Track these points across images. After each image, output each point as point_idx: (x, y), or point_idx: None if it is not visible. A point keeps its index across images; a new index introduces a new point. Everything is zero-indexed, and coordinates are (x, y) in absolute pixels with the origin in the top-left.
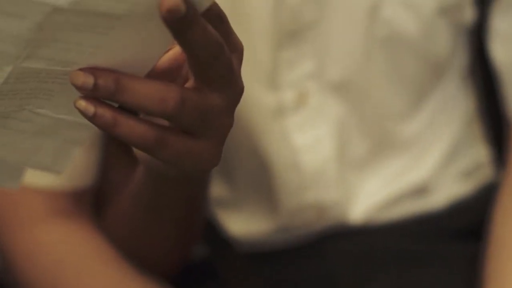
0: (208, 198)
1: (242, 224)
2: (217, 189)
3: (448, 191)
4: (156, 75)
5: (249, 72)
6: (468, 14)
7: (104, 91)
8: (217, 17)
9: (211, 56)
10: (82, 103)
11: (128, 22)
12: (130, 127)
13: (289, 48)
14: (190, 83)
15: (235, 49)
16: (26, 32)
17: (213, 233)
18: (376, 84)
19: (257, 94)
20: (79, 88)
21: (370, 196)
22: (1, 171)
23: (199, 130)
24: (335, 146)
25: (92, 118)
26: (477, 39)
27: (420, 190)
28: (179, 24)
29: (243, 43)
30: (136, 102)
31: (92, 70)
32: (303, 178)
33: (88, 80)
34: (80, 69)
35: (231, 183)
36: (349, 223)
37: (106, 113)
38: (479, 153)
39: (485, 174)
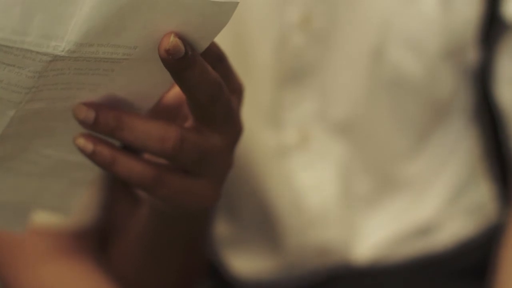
0: (211, 235)
1: (246, 263)
2: (221, 227)
3: (453, 230)
4: (158, 113)
5: (251, 112)
6: (472, 56)
7: (104, 127)
8: (217, 57)
9: (210, 97)
10: (81, 141)
11: (128, 64)
12: (128, 165)
13: (291, 88)
14: (189, 123)
15: (235, 89)
16: (26, 79)
17: (217, 272)
18: (378, 125)
19: (260, 134)
20: (80, 122)
21: (373, 235)
22: (7, 215)
23: (198, 169)
24: (338, 186)
25: (91, 156)
26: (482, 80)
27: (424, 229)
28: (178, 65)
29: (245, 82)
30: (136, 140)
31: (95, 106)
32: (306, 218)
33: (89, 115)
34: (83, 103)
35: (235, 221)
36: (353, 263)
37: (104, 151)
38: (483, 192)
39: (490, 213)
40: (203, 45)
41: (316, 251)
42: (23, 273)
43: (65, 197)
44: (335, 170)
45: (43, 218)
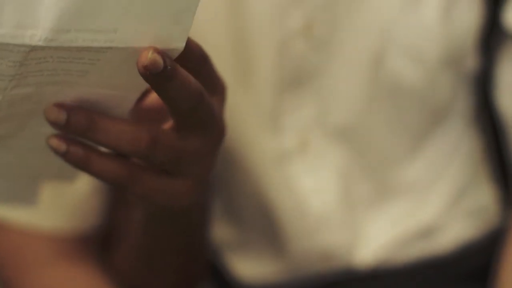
0: (213, 238)
1: (249, 267)
2: (223, 231)
3: (455, 233)
4: (142, 111)
5: (251, 116)
6: (472, 63)
7: (76, 128)
8: (201, 58)
9: (190, 106)
10: (54, 141)
11: (113, 54)
12: (102, 164)
13: (291, 93)
14: (169, 124)
15: (217, 90)
16: (7, 68)
17: (220, 275)
18: (377, 130)
19: (260, 139)
20: (51, 123)
21: (376, 239)
22: (17, 192)
23: (175, 169)
24: (338, 191)
25: (64, 156)
26: (482, 84)
27: (426, 232)
28: (157, 79)
29: (246, 87)
30: (108, 141)
31: (66, 106)
32: (308, 223)
33: (60, 116)
34: (54, 104)
35: (238, 225)
36: (356, 267)
37: (78, 151)
38: (485, 194)
39: (492, 216)
40: (177, 50)
41: (319, 255)
42: (25, 277)
43: (69, 166)
44: (335, 174)
45: (43, 222)
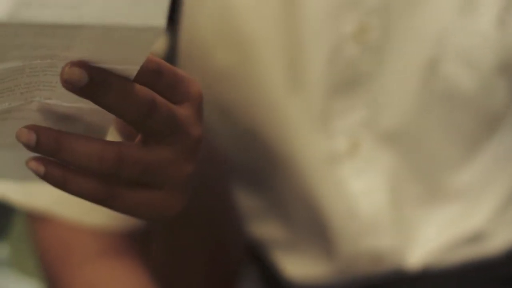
0: (258, 235)
1: (297, 266)
2: (270, 230)
3: (504, 238)
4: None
5: (302, 119)
6: None
7: (46, 149)
8: (153, 73)
9: (138, 116)
10: (33, 164)
11: (89, 31)
12: (79, 183)
13: (342, 97)
14: (138, 137)
15: (187, 98)
16: None
17: (269, 274)
18: (429, 135)
19: (311, 140)
20: (24, 145)
21: (425, 242)
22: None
23: (148, 181)
24: (388, 194)
25: (44, 177)
26: None
27: (476, 237)
28: (85, 92)
29: (297, 90)
30: (76, 161)
31: (36, 128)
32: (358, 225)
33: (31, 137)
34: (25, 127)
35: (286, 225)
36: (405, 269)
37: (55, 172)
38: None
39: None
40: (132, 70)
41: (369, 257)
42: (72, 272)
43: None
44: (385, 178)
45: (91, 218)
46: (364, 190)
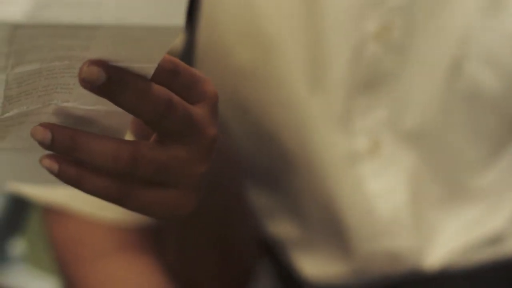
0: (275, 234)
1: (314, 266)
2: (288, 230)
3: None
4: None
5: (322, 118)
6: None
7: (61, 147)
8: (170, 73)
9: (154, 115)
10: (47, 161)
11: (107, 31)
12: (93, 182)
13: (364, 96)
14: (154, 136)
15: (203, 97)
16: None
17: (286, 274)
18: (451, 135)
19: (331, 140)
20: (39, 143)
21: (445, 243)
22: (42, 170)
23: (162, 180)
24: (408, 194)
25: (58, 175)
26: None
27: (496, 239)
28: (103, 91)
29: (319, 89)
30: (91, 159)
31: (51, 126)
32: (377, 225)
33: (46, 135)
34: (40, 124)
35: (303, 225)
36: (423, 269)
37: (69, 170)
38: None
39: None
40: (149, 68)
41: (387, 257)
42: (86, 266)
43: None
44: (405, 178)
45: (106, 213)
46: (384, 190)
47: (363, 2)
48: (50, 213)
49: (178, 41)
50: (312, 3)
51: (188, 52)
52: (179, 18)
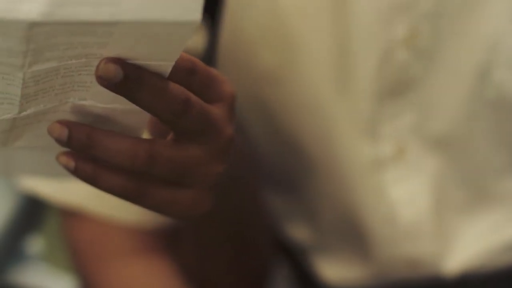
0: (293, 238)
1: (334, 269)
2: (306, 233)
3: None
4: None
5: (348, 123)
6: None
7: (78, 145)
8: (188, 71)
9: (172, 113)
10: (64, 158)
11: (125, 28)
12: (109, 180)
13: (391, 102)
14: (170, 135)
15: (220, 97)
16: (15, 45)
17: (305, 276)
18: (477, 142)
19: (355, 145)
20: (56, 140)
21: (466, 249)
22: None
23: (179, 180)
24: (432, 200)
25: (74, 172)
26: None
27: None
28: (119, 89)
29: (345, 94)
30: (107, 157)
31: (68, 123)
32: (399, 230)
33: (63, 132)
34: (57, 121)
35: (322, 229)
36: (443, 275)
37: (86, 167)
38: None
39: None
40: (167, 66)
41: (407, 262)
42: (105, 267)
43: None
44: (430, 183)
45: (123, 214)
46: (407, 196)
47: (392, 7)
48: (67, 213)
49: (199, 41)
50: (340, 7)
51: (209, 53)
52: (196, 14)
